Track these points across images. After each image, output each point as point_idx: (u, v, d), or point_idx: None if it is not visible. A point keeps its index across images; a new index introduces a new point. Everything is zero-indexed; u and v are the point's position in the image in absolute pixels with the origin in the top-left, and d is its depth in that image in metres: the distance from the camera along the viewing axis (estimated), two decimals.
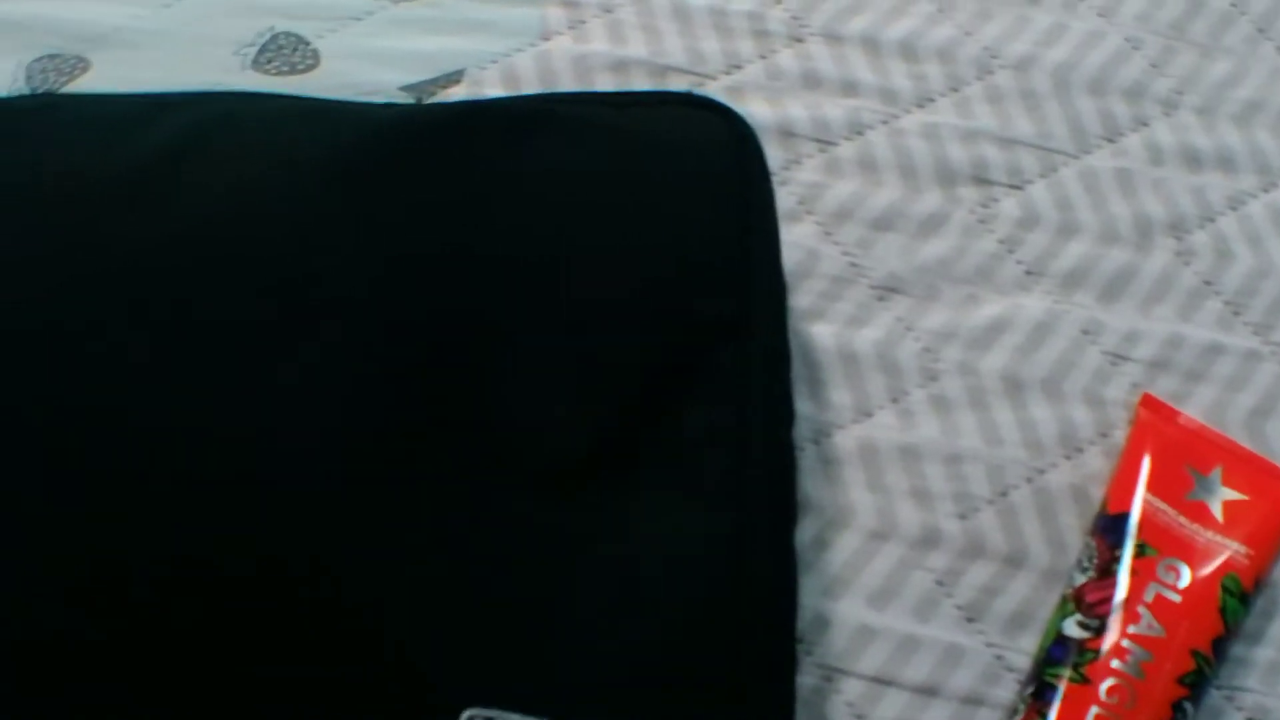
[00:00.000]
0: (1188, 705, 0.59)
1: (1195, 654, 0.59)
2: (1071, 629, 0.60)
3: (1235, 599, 0.60)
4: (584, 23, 0.74)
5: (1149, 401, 0.66)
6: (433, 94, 0.72)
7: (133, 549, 0.55)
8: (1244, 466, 0.64)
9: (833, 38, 0.74)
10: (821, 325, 0.67)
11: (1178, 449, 0.64)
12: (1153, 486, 0.63)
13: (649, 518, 0.56)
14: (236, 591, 0.54)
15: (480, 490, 0.56)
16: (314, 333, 0.57)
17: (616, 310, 0.59)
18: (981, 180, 0.71)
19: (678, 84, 0.72)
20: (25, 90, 0.72)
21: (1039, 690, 0.59)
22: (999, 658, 0.61)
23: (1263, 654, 0.62)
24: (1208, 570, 0.61)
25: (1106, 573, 0.61)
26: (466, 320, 0.58)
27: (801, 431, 0.64)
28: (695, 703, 0.54)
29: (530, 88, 0.72)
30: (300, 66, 0.73)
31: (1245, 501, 0.63)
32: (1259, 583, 0.61)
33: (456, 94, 0.72)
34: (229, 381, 0.57)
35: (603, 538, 0.56)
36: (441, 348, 0.58)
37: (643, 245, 0.61)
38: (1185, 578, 0.61)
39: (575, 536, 0.56)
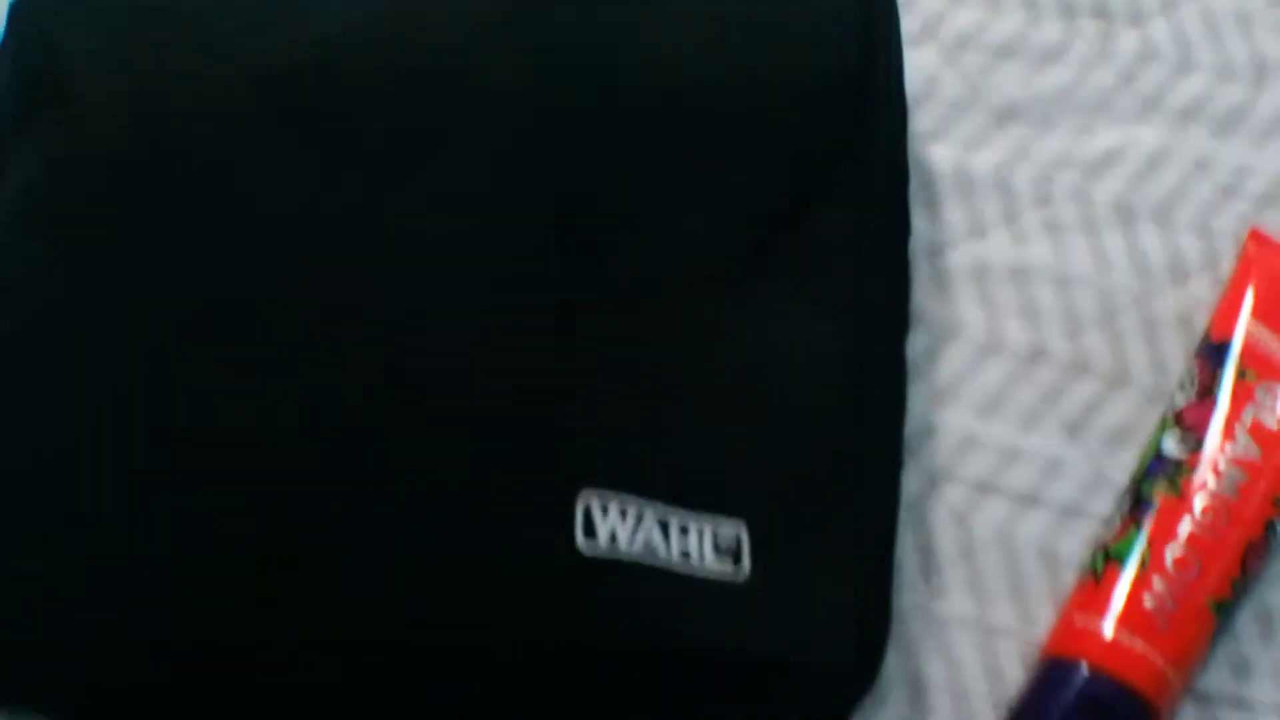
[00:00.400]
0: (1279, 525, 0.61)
1: None
2: (1170, 447, 0.62)
3: None
4: None
5: (1256, 235, 0.68)
6: None
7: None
8: None
9: None
10: (940, 147, 0.69)
11: None
12: (1256, 315, 0.65)
13: (772, 322, 0.59)
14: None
15: (617, 293, 0.58)
16: (475, 133, 0.60)
17: (747, 122, 0.61)
18: (1102, 14, 0.72)
19: None
20: None
21: (1135, 503, 0.61)
22: (1098, 471, 0.64)
23: None
24: None
25: (1206, 394, 0.63)
26: (609, 128, 0.60)
27: (917, 247, 0.66)
28: (807, 501, 0.57)
29: None
30: None
31: None
32: None
33: None
34: (393, 188, 0.59)
35: (729, 337, 0.58)
36: (587, 155, 0.60)
37: (772, 60, 0.62)
38: None
39: (708, 337, 0.58)
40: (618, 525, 0.55)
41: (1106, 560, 0.60)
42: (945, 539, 0.63)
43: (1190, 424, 0.63)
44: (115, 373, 0.56)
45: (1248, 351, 0.64)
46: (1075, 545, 0.63)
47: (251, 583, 0.54)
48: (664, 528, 0.55)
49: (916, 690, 0.61)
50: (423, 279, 0.58)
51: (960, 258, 0.68)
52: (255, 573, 0.54)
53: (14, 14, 0.63)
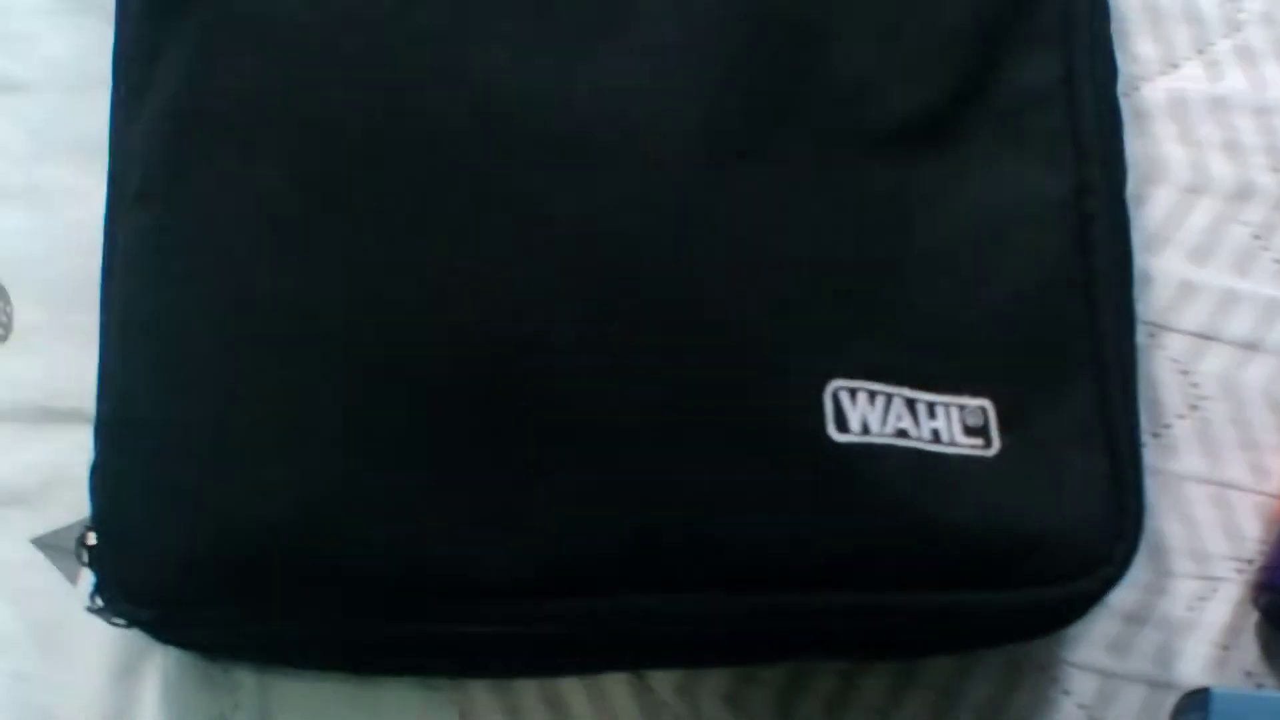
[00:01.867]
0: None
1: None
2: None
3: None
4: None
5: None
6: None
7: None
8: None
9: None
10: None
11: None
12: None
13: (988, 176, 0.55)
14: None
15: (823, 155, 0.55)
16: None
17: None
18: None
19: None
20: None
21: None
22: None
23: None
24: None
25: None
26: None
27: None
28: (1049, 365, 0.54)
29: None
30: None
31: None
32: None
33: None
34: (587, 53, 0.54)
35: (947, 195, 0.55)
36: (779, 10, 0.55)
37: None
38: None
39: (920, 195, 0.55)
40: (868, 413, 0.52)
41: None
42: (1170, 393, 0.60)
43: None
44: (325, 256, 0.53)
45: None
46: None
47: (514, 472, 0.52)
48: (912, 410, 0.53)
49: (1156, 553, 0.59)
50: (630, 151, 0.54)
51: (1155, 93, 0.64)
52: (519, 465, 0.52)
53: None
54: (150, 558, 0.53)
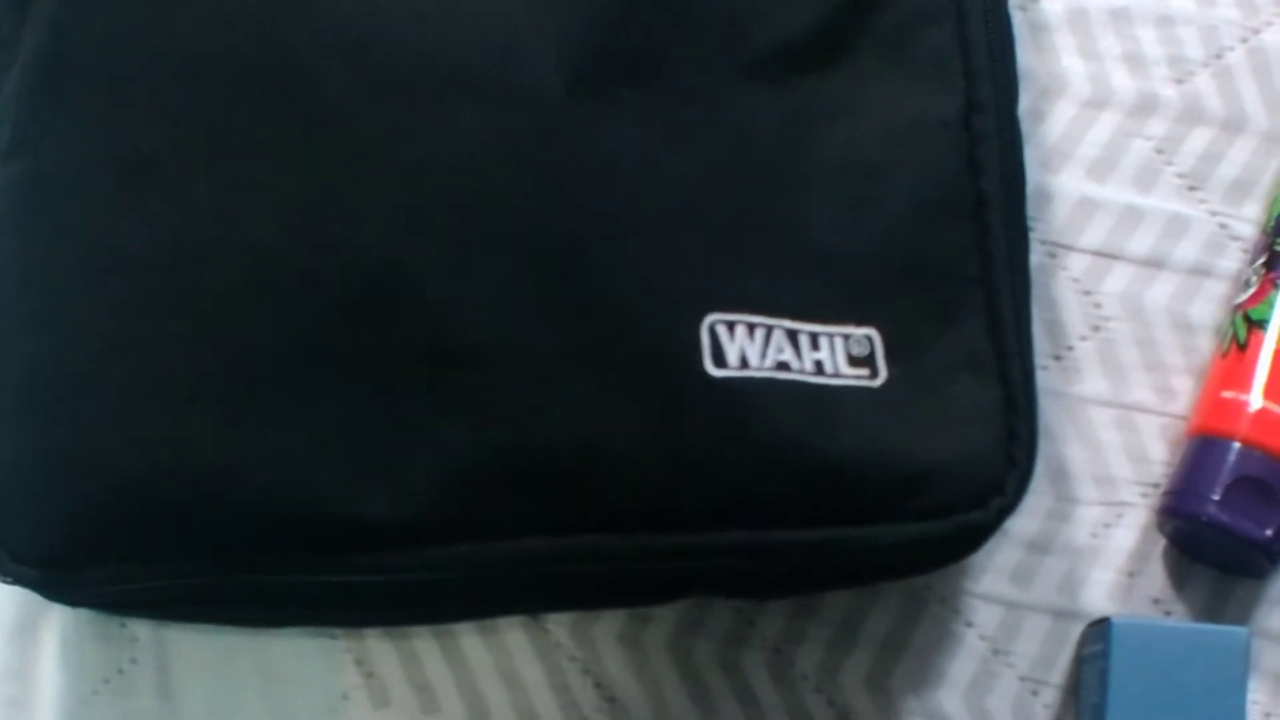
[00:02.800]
0: None
1: None
2: None
3: None
4: None
5: None
6: None
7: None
8: None
9: None
10: None
11: None
12: None
13: (876, 99, 0.54)
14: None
15: (700, 83, 0.53)
16: None
17: None
18: None
19: None
20: None
21: (1270, 260, 0.58)
22: (1223, 226, 0.60)
23: None
24: None
25: None
26: None
27: None
28: (938, 290, 0.52)
29: None
30: None
31: None
32: None
33: None
34: None
35: (832, 119, 0.53)
36: None
37: None
38: None
39: (803, 119, 0.53)
40: (746, 346, 0.51)
41: (1249, 326, 0.57)
42: (1072, 314, 0.59)
43: None
44: (184, 210, 0.52)
45: None
46: (1207, 309, 0.59)
47: (395, 413, 0.51)
48: (794, 341, 0.51)
49: (1059, 477, 0.58)
50: (496, 84, 0.52)
51: (1055, 4, 0.62)
52: (399, 407, 0.51)
53: None
54: (31, 516, 0.52)
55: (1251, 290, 0.57)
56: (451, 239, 0.51)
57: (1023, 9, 0.61)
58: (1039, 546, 0.57)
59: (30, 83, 0.54)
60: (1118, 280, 0.59)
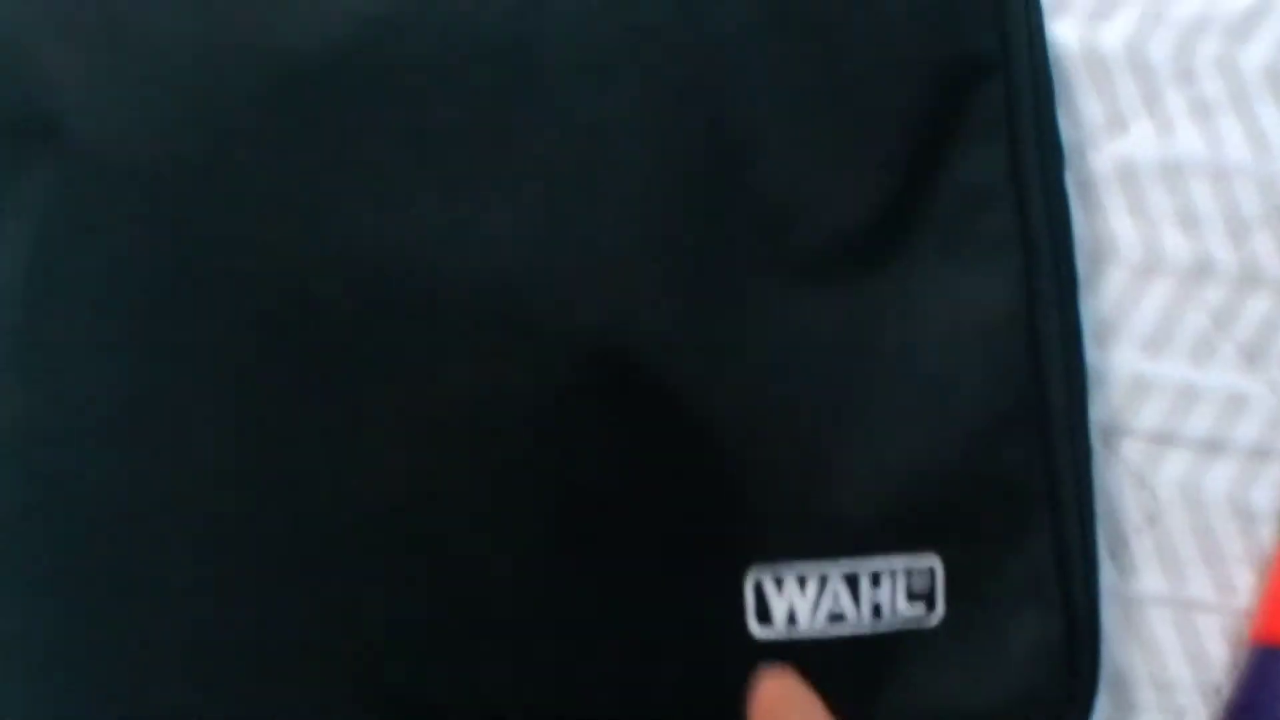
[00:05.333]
0: None
1: None
2: None
3: None
4: None
5: None
6: None
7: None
8: None
9: None
10: (1062, 23, 0.59)
11: None
12: None
13: (935, 297, 0.50)
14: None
15: (754, 283, 0.49)
16: (551, 123, 0.49)
17: (874, 52, 0.51)
18: None
19: None
20: None
21: None
22: None
23: None
24: None
25: None
26: (714, 90, 0.49)
27: None
28: (1002, 509, 0.49)
29: None
30: None
31: None
32: None
33: None
34: (460, 204, 0.49)
35: (890, 322, 0.49)
36: (694, 130, 0.49)
37: None
38: None
39: (862, 324, 0.49)
40: (795, 599, 0.47)
41: None
42: (1127, 505, 0.55)
43: None
44: (184, 441, 0.47)
45: None
46: (1270, 494, 0.56)
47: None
48: (852, 585, 0.48)
49: (1118, 685, 0.54)
50: (518, 323, 0.48)
51: (1103, 160, 0.58)
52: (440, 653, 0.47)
53: None
54: None
55: None
56: (474, 483, 0.47)
57: (1068, 167, 0.57)
58: None
59: (11, 314, 0.49)
60: (1174, 466, 0.56)
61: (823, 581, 0.48)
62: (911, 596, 0.48)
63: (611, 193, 0.48)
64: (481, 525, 0.47)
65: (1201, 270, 0.57)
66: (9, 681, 0.48)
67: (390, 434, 0.47)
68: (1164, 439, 0.56)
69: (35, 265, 0.49)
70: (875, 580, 0.48)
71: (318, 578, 0.47)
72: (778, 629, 0.47)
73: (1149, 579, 0.55)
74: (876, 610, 0.48)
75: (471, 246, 0.48)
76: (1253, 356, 0.57)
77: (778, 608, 0.48)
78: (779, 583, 0.48)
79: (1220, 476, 0.56)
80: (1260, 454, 0.56)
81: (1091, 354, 0.56)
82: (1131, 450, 0.56)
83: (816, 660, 0.47)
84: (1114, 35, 0.59)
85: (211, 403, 0.48)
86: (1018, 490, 0.49)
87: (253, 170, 0.48)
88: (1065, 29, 0.59)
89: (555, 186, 0.48)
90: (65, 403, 0.48)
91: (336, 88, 0.49)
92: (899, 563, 0.48)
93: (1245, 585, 0.55)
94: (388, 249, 0.48)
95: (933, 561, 0.49)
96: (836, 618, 0.48)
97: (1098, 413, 0.56)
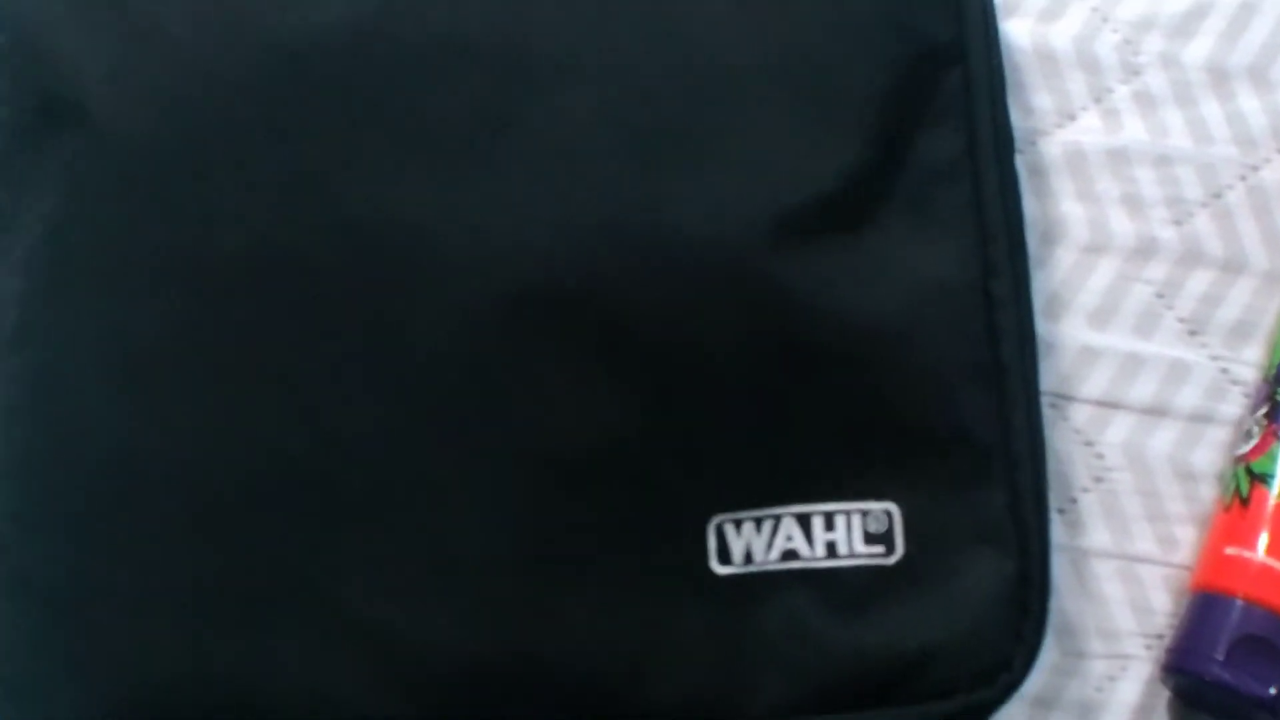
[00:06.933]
0: None
1: None
2: None
3: None
4: None
5: None
6: None
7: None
8: None
9: None
10: (1015, 21, 0.63)
11: None
12: None
13: (899, 261, 0.54)
14: None
15: (715, 245, 0.53)
16: (541, 111, 0.53)
17: (843, 35, 0.55)
18: None
19: None
20: None
21: (1272, 411, 0.58)
22: (1224, 370, 0.60)
23: None
24: None
25: None
26: (691, 64, 0.54)
27: None
28: (957, 459, 0.53)
29: None
30: None
31: None
32: None
33: None
34: (457, 181, 0.53)
35: (857, 282, 0.53)
36: (669, 98, 0.53)
37: None
38: None
39: (823, 285, 0.53)
40: (752, 539, 0.51)
41: (1252, 480, 0.57)
42: (1075, 466, 0.59)
43: None
44: (192, 408, 0.52)
45: None
46: (1210, 456, 0.59)
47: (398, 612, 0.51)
48: (805, 525, 0.51)
49: (1064, 632, 0.58)
50: (508, 285, 0.52)
51: (1052, 147, 0.62)
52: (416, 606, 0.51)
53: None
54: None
55: (1253, 442, 0.58)
56: (448, 431, 0.51)
57: (1020, 152, 0.61)
58: (1044, 701, 0.57)
59: (35, 275, 0.54)
60: (1119, 429, 0.59)
61: (776, 522, 0.52)
62: (870, 538, 0.52)
63: (589, 172, 0.53)
64: (463, 474, 0.51)
65: (1145, 249, 0.61)
66: (27, 616, 0.52)
67: (372, 381, 0.52)
68: (1110, 404, 0.60)
69: (58, 231, 0.53)
70: (829, 522, 0.52)
71: (300, 514, 0.51)
72: (736, 565, 0.51)
73: (1096, 535, 0.59)
74: (831, 548, 0.52)
75: (459, 219, 0.52)
76: (1194, 329, 0.60)
77: (736, 547, 0.51)
78: (738, 525, 0.51)
79: (1163, 440, 0.59)
80: (1201, 419, 0.60)
81: (1042, 326, 0.60)
82: (1079, 415, 0.60)
83: (774, 592, 0.51)
84: (1063, 33, 0.63)
85: (213, 352, 0.52)
86: (974, 439, 0.53)
87: (257, 147, 0.53)
88: (1018, 26, 0.63)
89: (537, 167, 0.53)
90: (80, 354, 0.52)
91: (333, 74, 0.53)
92: (854, 506, 0.52)
93: (1187, 541, 0.59)
94: (380, 220, 0.52)
95: (889, 506, 0.52)
96: (789, 554, 0.52)
97: (1047, 380, 0.60)
